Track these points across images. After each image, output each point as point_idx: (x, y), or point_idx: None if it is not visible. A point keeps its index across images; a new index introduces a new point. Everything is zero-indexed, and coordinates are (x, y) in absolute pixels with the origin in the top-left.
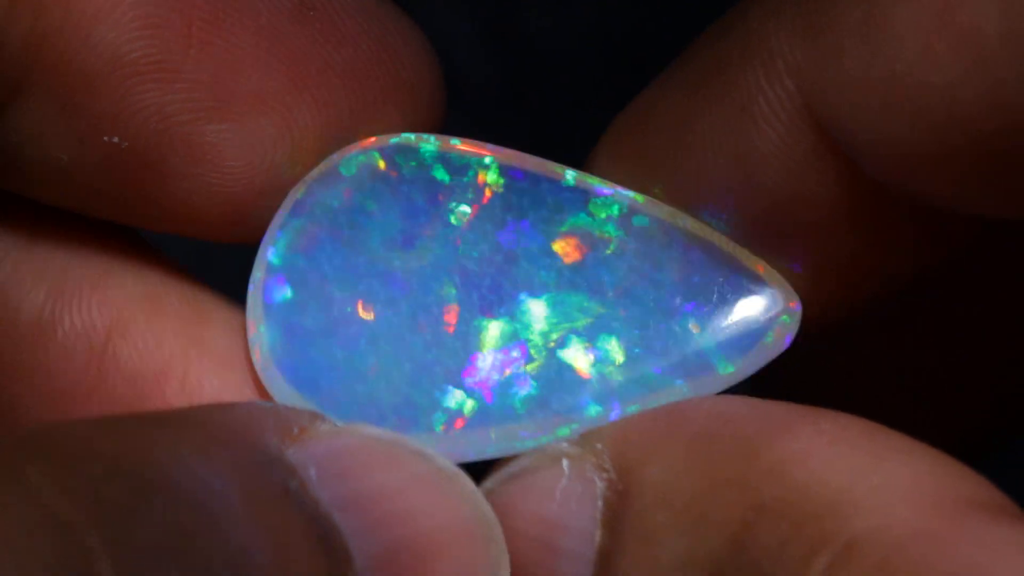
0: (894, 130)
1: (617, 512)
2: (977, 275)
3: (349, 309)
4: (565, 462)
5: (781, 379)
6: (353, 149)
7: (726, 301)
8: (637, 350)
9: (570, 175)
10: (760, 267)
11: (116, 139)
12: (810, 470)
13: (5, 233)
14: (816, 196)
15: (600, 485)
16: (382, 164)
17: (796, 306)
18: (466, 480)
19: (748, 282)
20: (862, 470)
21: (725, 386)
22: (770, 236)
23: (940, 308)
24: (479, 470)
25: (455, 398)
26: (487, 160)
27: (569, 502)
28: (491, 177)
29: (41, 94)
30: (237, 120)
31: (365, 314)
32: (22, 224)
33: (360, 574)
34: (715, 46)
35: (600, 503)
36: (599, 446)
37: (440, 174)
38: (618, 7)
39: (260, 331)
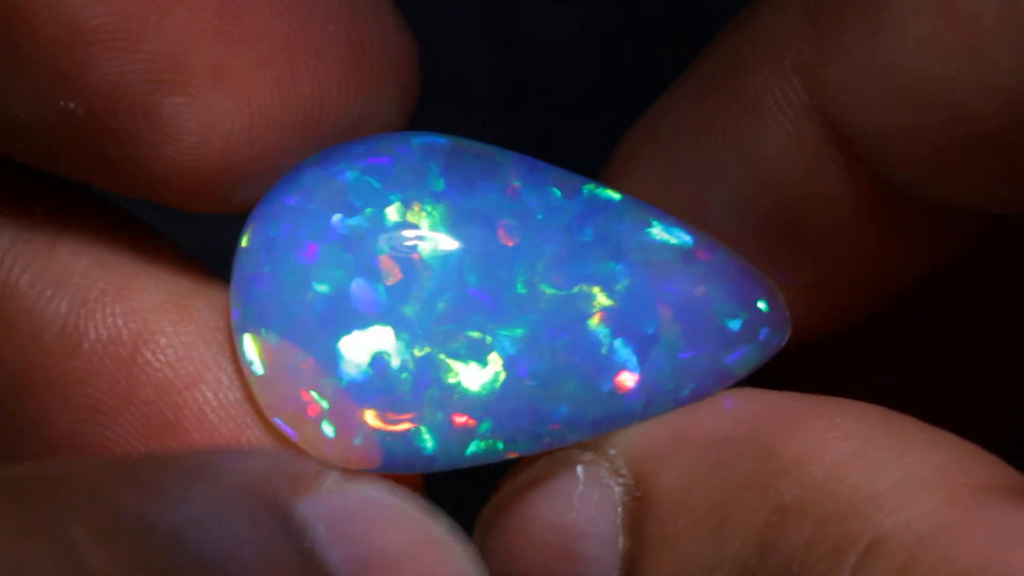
0: (898, 123)
1: (638, 517)
2: (996, 264)
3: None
4: (579, 467)
5: (792, 372)
6: None
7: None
8: None
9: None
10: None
11: (72, 104)
12: (827, 468)
13: (26, 241)
14: (825, 195)
15: (618, 490)
16: None
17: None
18: (460, 544)
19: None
20: (879, 465)
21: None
22: (779, 238)
23: (960, 298)
24: (490, 476)
25: None
26: None
27: (588, 508)
28: None
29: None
30: (194, 95)
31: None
32: (43, 232)
33: None
34: (726, 46)
35: (619, 509)
36: (612, 451)
37: None
38: (618, 7)
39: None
